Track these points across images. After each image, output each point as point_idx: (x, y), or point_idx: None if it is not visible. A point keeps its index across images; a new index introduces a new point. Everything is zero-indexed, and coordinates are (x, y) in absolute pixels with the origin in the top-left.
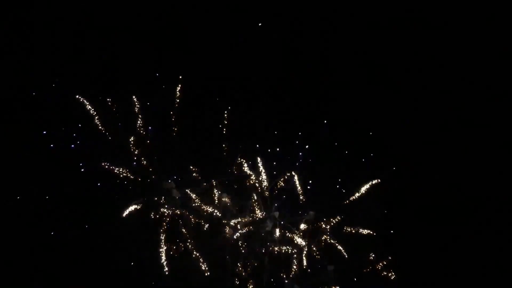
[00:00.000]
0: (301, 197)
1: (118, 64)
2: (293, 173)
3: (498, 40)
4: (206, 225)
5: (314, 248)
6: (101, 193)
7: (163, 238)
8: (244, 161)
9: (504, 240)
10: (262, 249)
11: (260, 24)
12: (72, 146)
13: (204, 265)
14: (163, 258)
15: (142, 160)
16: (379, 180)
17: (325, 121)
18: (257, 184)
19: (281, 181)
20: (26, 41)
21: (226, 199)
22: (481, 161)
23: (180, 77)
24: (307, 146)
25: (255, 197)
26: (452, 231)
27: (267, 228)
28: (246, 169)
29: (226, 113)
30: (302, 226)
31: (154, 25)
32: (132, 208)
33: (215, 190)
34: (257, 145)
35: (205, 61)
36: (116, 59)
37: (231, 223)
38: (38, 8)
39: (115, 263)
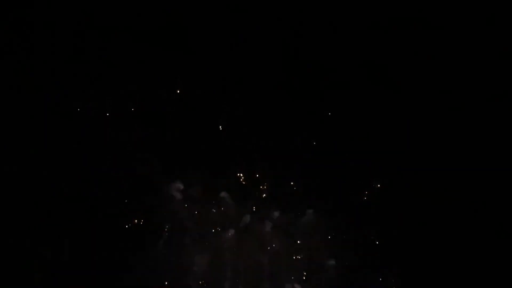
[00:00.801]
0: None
1: (118, 64)
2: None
3: (498, 40)
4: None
5: (314, 248)
6: (100, 195)
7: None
8: (244, 162)
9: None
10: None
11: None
12: (72, 147)
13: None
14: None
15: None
16: (378, 186)
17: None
18: (260, 187)
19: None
20: (26, 41)
21: (225, 201)
22: (484, 163)
23: (179, 79)
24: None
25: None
26: (453, 233)
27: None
28: (245, 170)
29: (223, 115)
30: (302, 226)
31: (154, 25)
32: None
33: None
34: (257, 146)
35: (205, 61)
36: (116, 59)
37: (230, 227)
38: (38, 8)
39: (114, 267)
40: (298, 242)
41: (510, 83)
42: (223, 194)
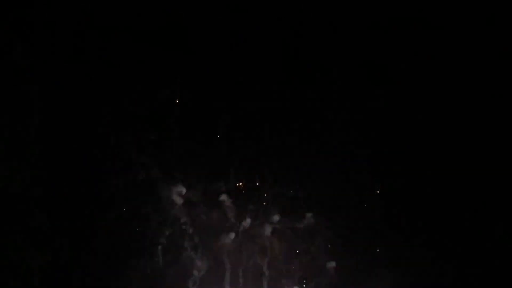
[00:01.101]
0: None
1: (118, 65)
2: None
3: (498, 40)
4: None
5: (313, 251)
6: (100, 194)
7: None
8: (244, 166)
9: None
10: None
11: None
12: (72, 150)
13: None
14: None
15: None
16: (378, 191)
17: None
18: (260, 191)
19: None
20: (26, 41)
21: (225, 205)
22: (485, 163)
23: (179, 80)
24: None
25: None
26: (452, 237)
27: None
28: (245, 174)
29: (224, 118)
30: (301, 230)
31: (154, 25)
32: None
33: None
34: (257, 150)
35: (205, 61)
36: (116, 59)
37: (230, 231)
38: (38, 8)
39: (114, 271)
40: (298, 245)
41: (510, 83)
42: (223, 197)
